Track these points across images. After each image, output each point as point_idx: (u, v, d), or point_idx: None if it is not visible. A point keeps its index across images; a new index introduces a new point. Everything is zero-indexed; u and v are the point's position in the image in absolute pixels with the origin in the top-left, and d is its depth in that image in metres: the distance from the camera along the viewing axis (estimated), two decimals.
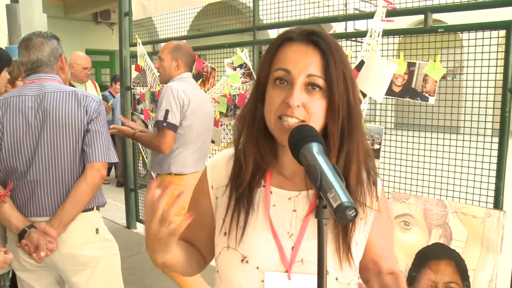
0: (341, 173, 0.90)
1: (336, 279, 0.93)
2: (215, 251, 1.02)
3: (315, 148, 0.80)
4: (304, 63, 0.90)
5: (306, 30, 0.93)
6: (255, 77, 2.59)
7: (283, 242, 0.95)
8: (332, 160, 0.91)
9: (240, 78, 3.18)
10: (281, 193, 0.98)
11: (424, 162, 2.33)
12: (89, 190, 1.86)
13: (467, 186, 2.16)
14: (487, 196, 2.08)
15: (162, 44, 4.37)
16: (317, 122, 0.90)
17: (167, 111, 2.55)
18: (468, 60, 2.18)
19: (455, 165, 2.20)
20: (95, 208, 1.98)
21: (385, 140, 2.31)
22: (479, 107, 2.15)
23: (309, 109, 0.89)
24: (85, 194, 1.85)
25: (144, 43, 4.04)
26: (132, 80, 4.20)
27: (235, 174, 1.00)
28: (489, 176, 2.07)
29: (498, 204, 2.03)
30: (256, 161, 0.97)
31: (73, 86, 3.44)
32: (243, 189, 0.97)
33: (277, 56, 0.93)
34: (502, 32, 2.02)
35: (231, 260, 0.97)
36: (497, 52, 2.10)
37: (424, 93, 2.14)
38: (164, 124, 2.55)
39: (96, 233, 1.97)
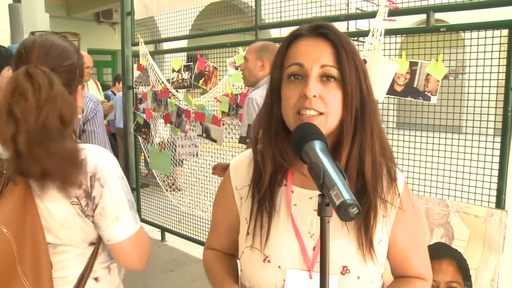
0: (356, 165, 0.92)
1: (358, 277, 0.93)
2: (239, 251, 1.02)
3: (318, 146, 0.80)
4: (316, 54, 0.90)
5: (314, 25, 0.94)
6: None
7: (305, 242, 0.95)
8: (345, 151, 0.91)
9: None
10: (303, 192, 0.98)
11: (426, 161, 2.32)
12: None
13: (469, 186, 2.15)
14: (489, 195, 2.07)
15: (164, 43, 4.41)
16: (335, 113, 0.90)
17: (249, 126, 2.38)
18: (470, 59, 2.17)
19: (457, 165, 2.20)
20: None
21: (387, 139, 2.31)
22: (481, 107, 2.15)
23: (326, 100, 0.89)
24: None
25: (146, 43, 4.05)
26: (134, 79, 4.20)
27: (256, 178, 1.00)
28: (491, 175, 2.07)
29: (500, 203, 2.03)
30: (275, 162, 0.97)
31: None
32: (264, 191, 0.97)
33: (288, 53, 0.94)
34: (505, 32, 2.01)
35: (253, 260, 0.97)
36: (500, 51, 2.10)
37: (426, 93, 2.14)
38: (248, 140, 2.38)
39: None
